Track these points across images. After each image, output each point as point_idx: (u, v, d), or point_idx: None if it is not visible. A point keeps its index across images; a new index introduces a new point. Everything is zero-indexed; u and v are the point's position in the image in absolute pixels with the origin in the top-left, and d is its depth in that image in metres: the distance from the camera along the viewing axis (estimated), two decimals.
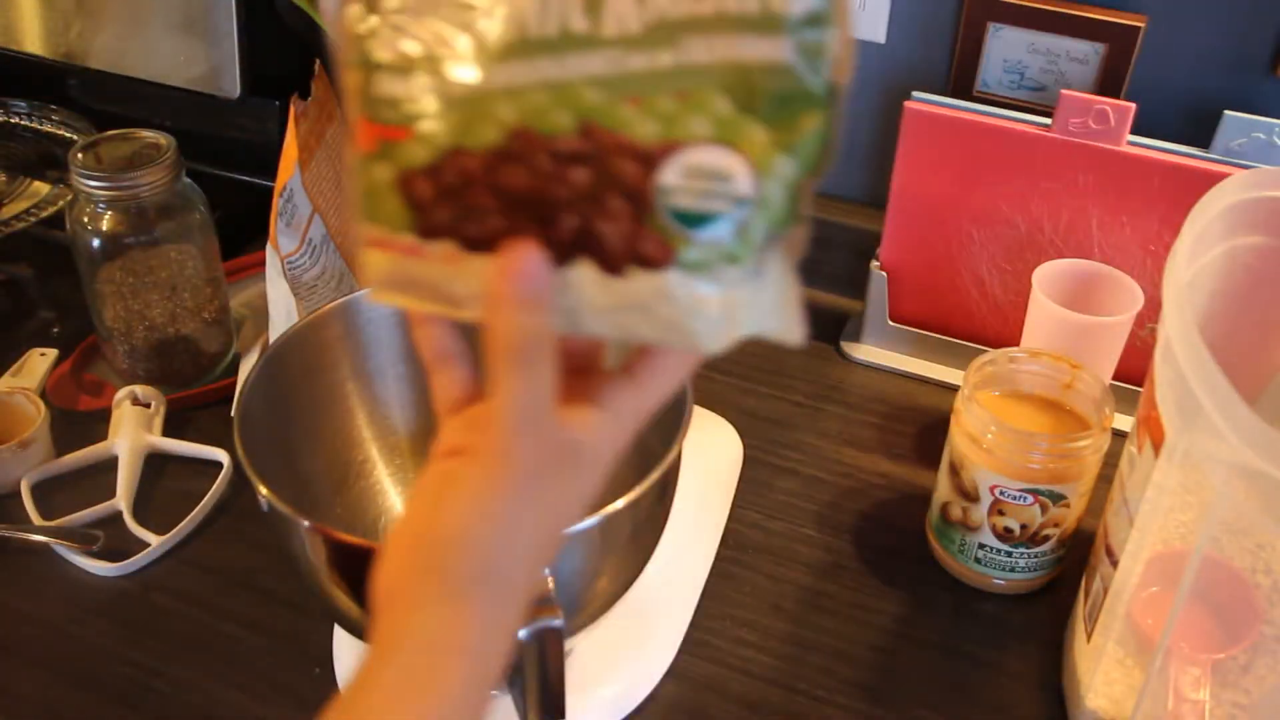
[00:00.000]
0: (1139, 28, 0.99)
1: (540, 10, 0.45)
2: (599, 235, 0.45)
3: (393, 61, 0.47)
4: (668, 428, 0.71)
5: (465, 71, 0.45)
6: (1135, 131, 0.95)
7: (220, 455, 0.98)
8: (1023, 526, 0.84)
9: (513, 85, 0.45)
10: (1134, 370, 0.96)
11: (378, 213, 0.47)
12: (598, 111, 0.45)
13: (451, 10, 0.46)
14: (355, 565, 0.66)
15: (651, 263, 0.45)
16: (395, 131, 0.47)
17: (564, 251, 0.45)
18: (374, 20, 0.47)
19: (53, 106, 1.29)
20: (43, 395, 1.01)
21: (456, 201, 0.46)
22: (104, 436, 0.98)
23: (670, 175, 0.44)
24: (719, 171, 0.44)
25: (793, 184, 0.46)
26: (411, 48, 0.46)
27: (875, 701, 0.81)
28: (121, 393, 1.00)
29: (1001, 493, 0.83)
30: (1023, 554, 0.86)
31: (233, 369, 1.08)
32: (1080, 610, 0.81)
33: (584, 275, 0.46)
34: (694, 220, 0.45)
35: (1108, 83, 1.02)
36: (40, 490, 0.95)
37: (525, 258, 0.45)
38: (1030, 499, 0.82)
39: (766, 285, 0.49)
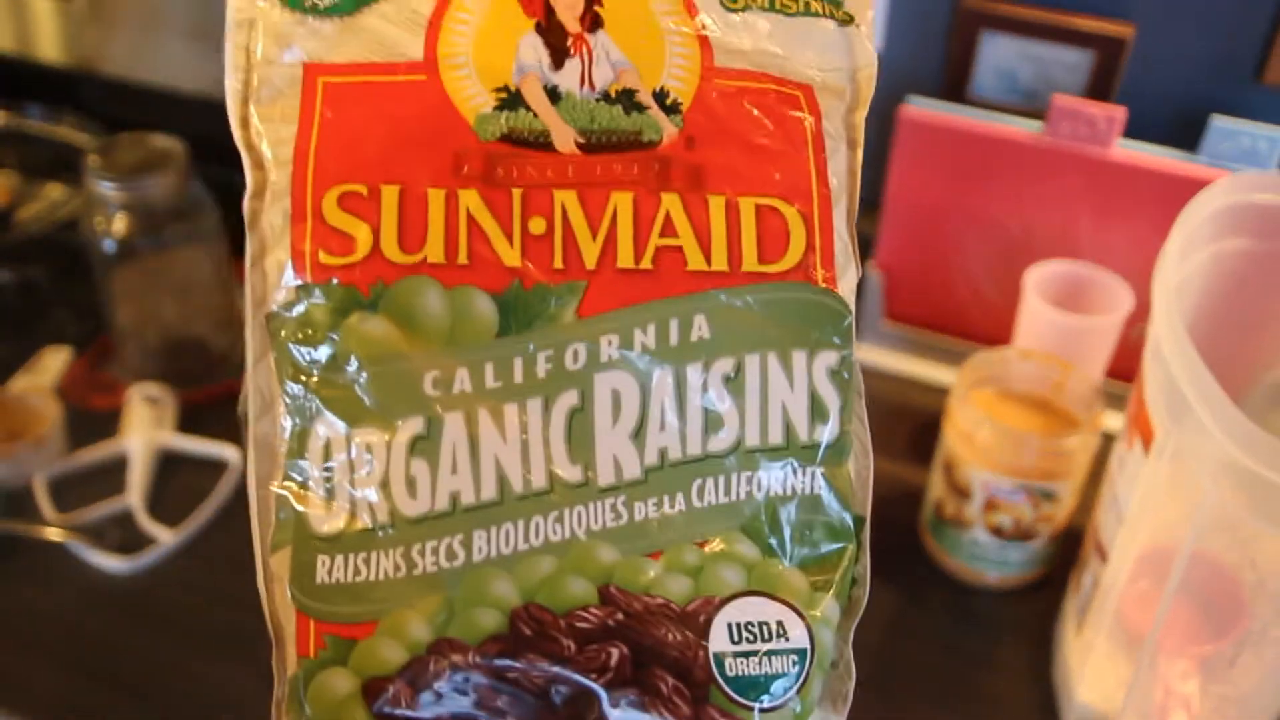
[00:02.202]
0: (1128, 36, 1.00)
1: (522, 460, 0.38)
2: None
3: (340, 535, 0.38)
4: None
5: (442, 544, 0.38)
6: (1125, 136, 0.96)
7: (230, 452, 0.99)
8: (1015, 523, 0.85)
9: (507, 554, 0.38)
10: (1124, 370, 0.97)
11: None
12: (619, 572, 0.38)
13: (411, 462, 0.38)
14: None
15: None
16: (352, 628, 0.37)
17: None
18: (301, 485, 0.38)
19: (66, 111, 1.29)
20: (56, 394, 1.02)
21: (451, 709, 0.37)
22: (116, 434, 0.99)
23: (721, 640, 0.38)
24: (772, 628, 0.39)
25: (836, 628, 0.42)
26: (364, 515, 0.38)
27: (869, 695, 0.82)
28: (133, 391, 1.01)
29: (994, 490, 0.84)
30: (1015, 550, 0.87)
31: (242, 368, 1.08)
32: (1071, 605, 0.82)
33: None
34: (758, 688, 0.39)
35: (1098, 89, 1.03)
36: (54, 487, 0.96)
37: None
38: (1022, 496, 0.83)
39: None
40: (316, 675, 0.37)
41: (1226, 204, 0.72)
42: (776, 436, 0.39)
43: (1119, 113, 0.94)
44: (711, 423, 0.38)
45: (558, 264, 0.39)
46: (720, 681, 0.38)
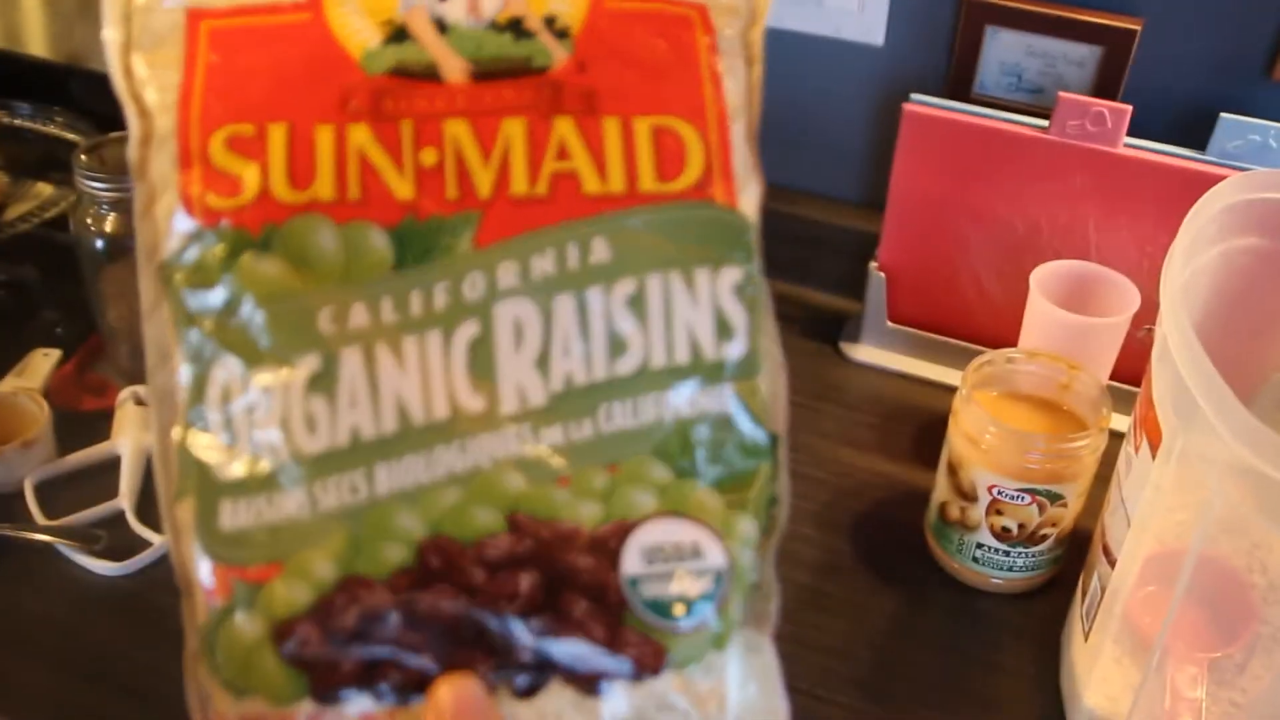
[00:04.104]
0: (1135, 31, 0.99)
1: (422, 391, 0.38)
2: (569, 652, 0.38)
3: (243, 479, 0.37)
4: None
5: (345, 479, 0.37)
6: (1132, 134, 0.95)
7: None
8: (1020, 526, 0.84)
9: (410, 486, 0.38)
10: (1131, 371, 0.96)
11: (250, 681, 0.37)
12: (526, 500, 0.38)
13: (309, 400, 0.38)
14: None
15: (641, 670, 0.38)
16: (258, 571, 0.37)
17: (528, 680, 0.38)
18: (202, 431, 0.38)
19: (56, 109, 1.29)
20: (46, 395, 1.01)
21: (363, 647, 0.37)
22: (107, 436, 0.98)
23: (634, 563, 0.38)
24: (686, 549, 0.39)
25: (756, 546, 0.41)
26: (266, 457, 0.37)
27: (874, 700, 0.82)
28: (124, 393, 1.00)
29: (999, 492, 0.83)
30: (1020, 553, 0.86)
31: None
32: (1078, 609, 0.81)
33: (557, 703, 0.38)
34: (676, 609, 0.39)
35: (1104, 85, 1.02)
36: (43, 490, 0.95)
37: (463, 697, 0.36)
38: (1028, 499, 0.83)
39: (751, 665, 0.41)
40: (224, 622, 0.37)
41: (1235, 202, 0.72)
42: (683, 356, 0.39)
43: (1126, 109, 0.94)
44: (616, 345, 0.38)
45: (451, 194, 0.39)
46: (634, 604, 0.38)
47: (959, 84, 1.08)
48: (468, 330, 0.38)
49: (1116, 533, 0.73)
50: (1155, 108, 1.01)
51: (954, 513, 0.87)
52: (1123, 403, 0.92)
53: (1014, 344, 0.97)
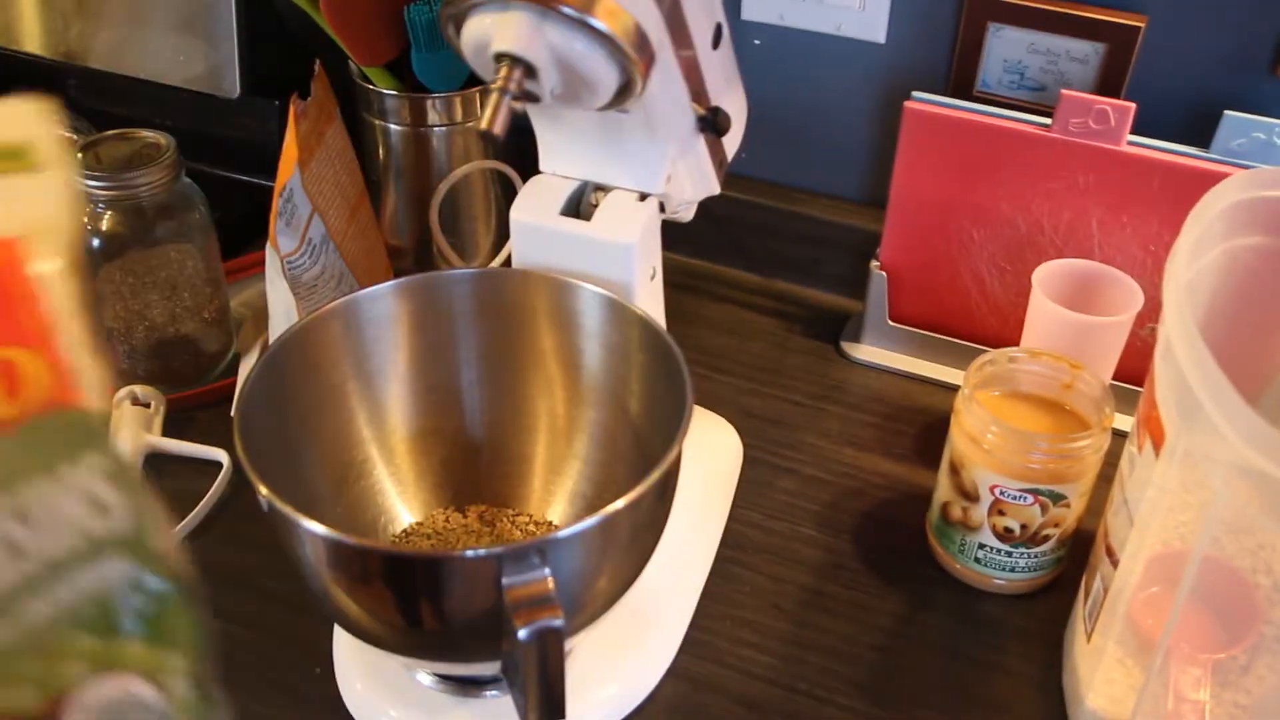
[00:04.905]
0: (1139, 28, 0.99)
1: None
2: None
3: None
4: (668, 428, 0.71)
5: None
6: (1135, 131, 0.95)
7: (220, 455, 0.97)
8: (1023, 526, 0.84)
9: None
10: (1134, 370, 0.96)
11: None
12: None
13: None
14: (355, 565, 0.66)
15: None
16: None
17: None
18: None
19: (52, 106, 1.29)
20: None
21: None
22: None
23: None
24: (127, 699, 0.42)
25: (191, 672, 0.46)
26: None
27: (875, 701, 0.81)
28: (121, 392, 1.00)
29: (1001, 493, 0.83)
30: (1023, 554, 0.86)
31: (233, 369, 1.08)
32: (1080, 610, 0.81)
33: None
34: None
35: (1108, 83, 1.02)
36: None
37: None
38: (1030, 499, 0.82)
39: None
40: None
41: (1239, 200, 0.72)
42: (75, 541, 0.41)
43: (1129, 107, 0.93)
44: (13, 551, 0.40)
45: None
46: None
47: (961, 81, 1.08)
48: None
49: (1119, 533, 0.73)
50: (1159, 105, 1.01)
51: (956, 513, 0.87)
52: (1126, 402, 0.91)
53: (1016, 343, 0.96)
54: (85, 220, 0.96)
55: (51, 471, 0.41)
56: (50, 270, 0.42)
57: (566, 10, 0.67)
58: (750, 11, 1.13)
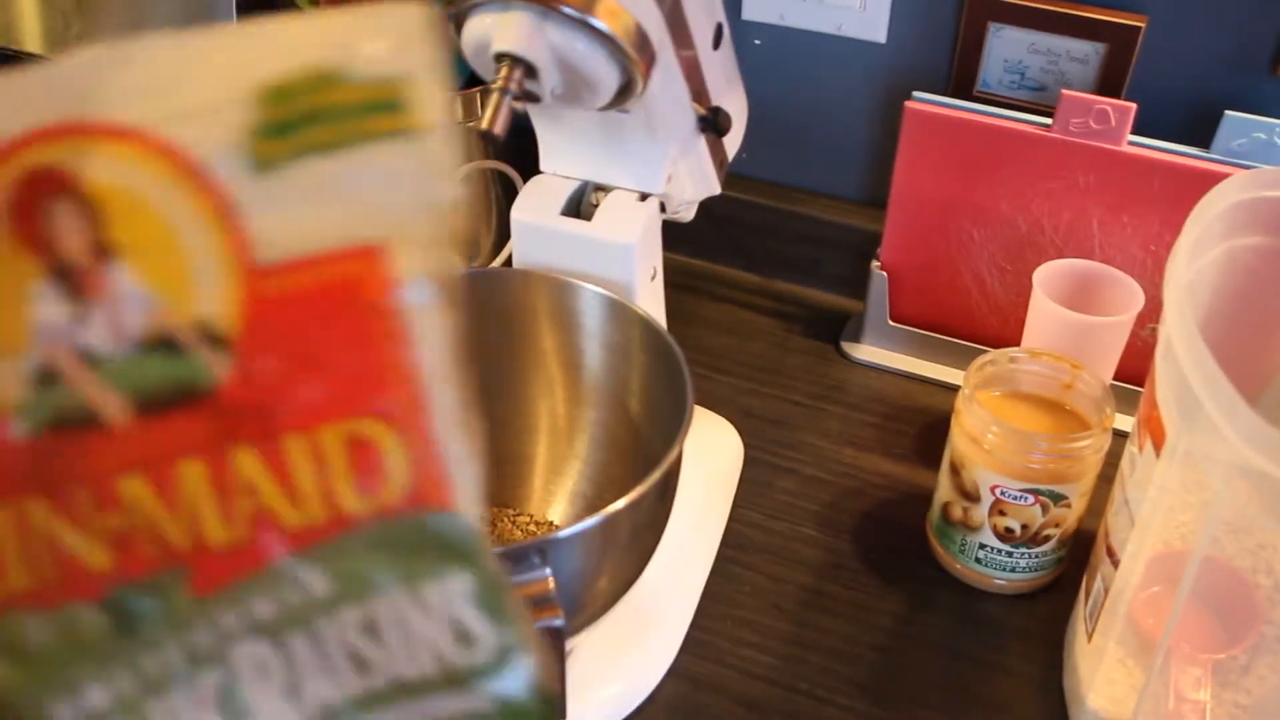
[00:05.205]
0: (1139, 28, 0.98)
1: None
2: None
3: None
4: (668, 428, 0.71)
5: None
6: (1136, 131, 0.95)
7: None
8: (1023, 526, 0.84)
9: None
10: (1135, 370, 0.96)
11: None
12: None
13: None
14: None
15: None
16: None
17: None
18: None
19: None
20: None
21: None
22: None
23: None
24: None
25: None
26: None
27: (876, 701, 0.81)
28: None
29: (1002, 493, 0.83)
30: (1023, 554, 0.86)
31: None
32: (1081, 610, 0.81)
33: None
34: None
35: (1108, 83, 1.02)
36: None
37: None
38: (1031, 499, 0.82)
39: None
40: None
41: (1240, 200, 0.72)
42: (429, 668, 0.37)
43: (1129, 107, 0.93)
44: (360, 665, 0.37)
45: (148, 553, 0.35)
46: None
47: (961, 81, 1.08)
48: (211, 679, 0.36)
49: (1120, 533, 0.73)
50: (1159, 105, 1.01)
51: (956, 513, 0.87)
52: (1126, 402, 0.91)
53: (1017, 343, 0.96)
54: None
55: (412, 587, 0.37)
56: (423, 297, 0.35)
57: (567, 10, 0.67)
58: (750, 11, 1.13)
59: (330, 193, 0.34)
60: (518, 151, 0.91)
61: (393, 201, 0.35)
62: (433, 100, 0.35)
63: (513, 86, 0.69)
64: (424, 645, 0.37)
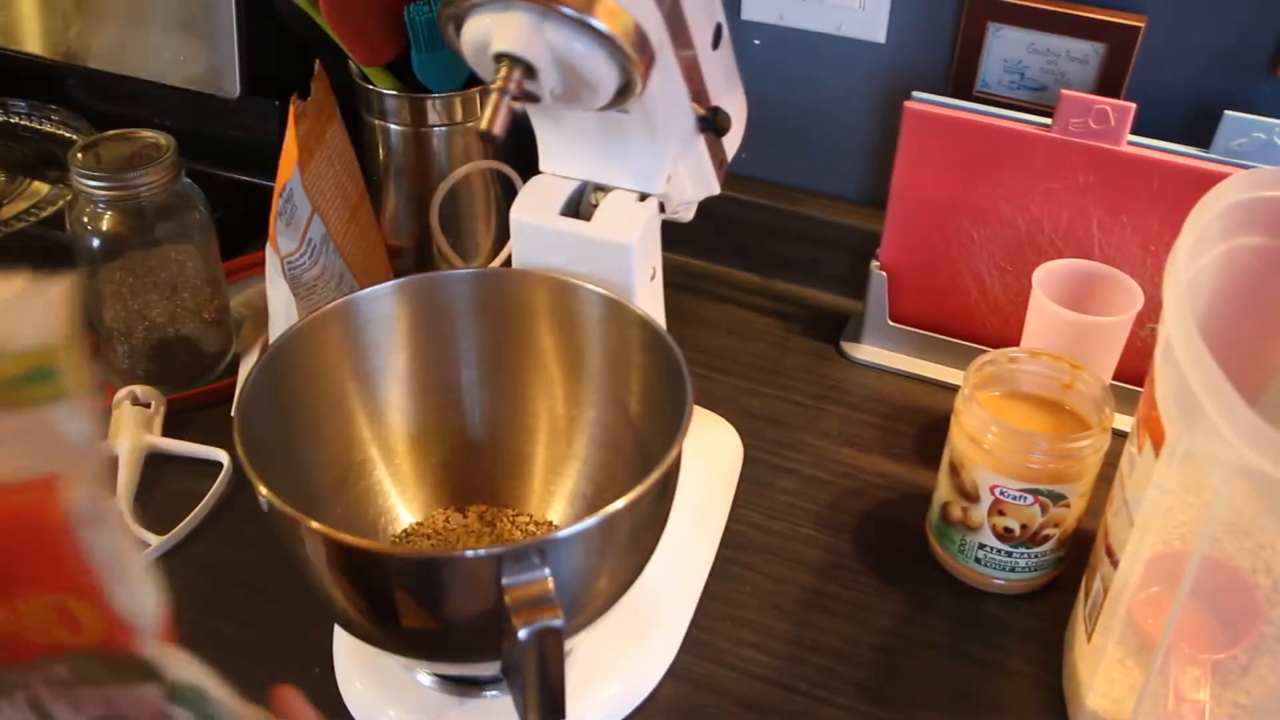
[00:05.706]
0: (1139, 28, 0.98)
1: None
2: None
3: None
4: (668, 428, 0.71)
5: None
6: (1135, 131, 0.95)
7: (220, 455, 0.97)
8: (1023, 527, 0.84)
9: None
10: (1134, 370, 0.96)
11: None
12: None
13: None
14: (355, 565, 0.66)
15: None
16: None
17: None
18: None
19: (52, 106, 1.29)
20: None
21: None
22: (103, 436, 0.98)
23: None
24: None
25: None
26: None
27: (875, 701, 0.81)
28: (121, 393, 1.00)
29: (1001, 493, 0.82)
30: (1023, 554, 0.86)
31: (233, 369, 1.08)
32: (1080, 610, 0.81)
33: None
34: None
35: (1108, 83, 1.02)
36: None
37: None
38: (1030, 499, 0.82)
39: None
40: None
41: (1239, 200, 0.71)
42: None
43: (1129, 107, 0.93)
44: None
45: None
46: None
47: (961, 81, 1.08)
48: None
49: (1119, 533, 0.73)
50: (1159, 105, 1.01)
51: (956, 513, 0.86)
52: (1126, 403, 0.91)
53: (1016, 343, 0.96)
54: (85, 220, 0.96)
55: (120, 684, 0.44)
56: (91, 510, 0.40)
57: (566, 10, 0.67)
58: (750, 11, 1.13)
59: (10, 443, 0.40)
60: (517, 151, 0.91)
61: (59, 448, 0.40)
62: (79, 364, 0.41)
63: (512, 86, 0.69)
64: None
